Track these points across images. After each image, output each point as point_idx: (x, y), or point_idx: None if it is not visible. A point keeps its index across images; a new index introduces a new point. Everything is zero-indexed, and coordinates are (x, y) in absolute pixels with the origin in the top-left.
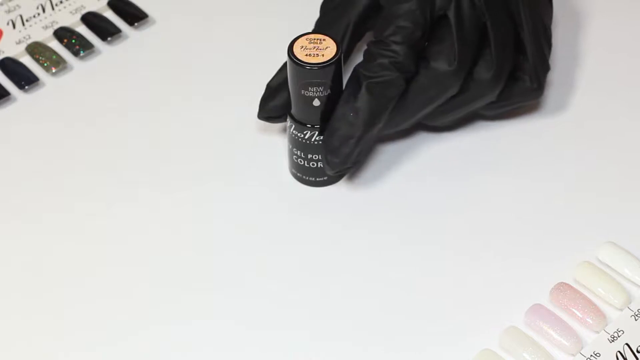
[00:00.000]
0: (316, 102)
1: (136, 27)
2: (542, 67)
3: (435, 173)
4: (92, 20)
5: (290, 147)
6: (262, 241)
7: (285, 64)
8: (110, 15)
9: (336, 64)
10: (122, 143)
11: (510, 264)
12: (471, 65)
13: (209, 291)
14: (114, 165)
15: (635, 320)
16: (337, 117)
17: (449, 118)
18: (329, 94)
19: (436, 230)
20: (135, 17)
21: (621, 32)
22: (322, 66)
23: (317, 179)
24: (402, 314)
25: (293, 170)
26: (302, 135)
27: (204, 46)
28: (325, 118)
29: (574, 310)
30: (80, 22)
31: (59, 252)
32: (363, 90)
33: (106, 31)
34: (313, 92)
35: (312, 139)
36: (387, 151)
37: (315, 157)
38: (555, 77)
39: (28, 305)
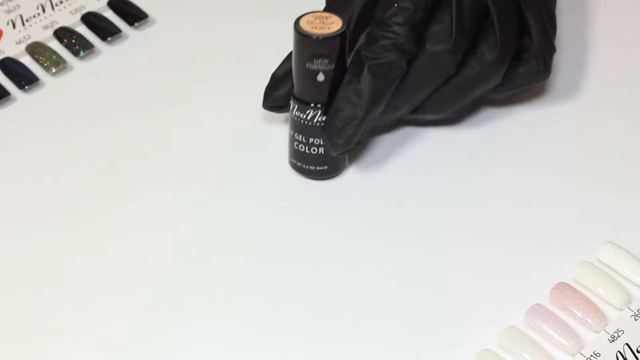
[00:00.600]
0: (320, 77)
1: (136, 27)
2: (548, 49)
3: (434, 172)
4: (92, 20)
5: (292, 132)
6: (263, 240)
7: (290, 54)
8: (110, 15)
9: (342, 37)
10: (121, 143)
11: (510, 264)
12: (473, 47)
13: (209, 291)
14: (114, 165)
15: (635, 320)
16: (340, 98)
17: (456, 105)
18: (333, 68)
19: (436, 230)
20: (135, 17)
21: (630, 18)
22: (329, 37)
23: (318, 168)
24: (401, 313)
25: (293, 160)
26: (305, 117)
27: (204, 46)
28: (329, 95)
29: (574, 310)
30: (80, 22)
31: (58, 251)
32: (365, 71)
33: (106, 31)
34: (318, 64)
35: (315, 120)
36: (387, 149)
37: (317, 141)
38: (559, 76)
39: (28, 305)
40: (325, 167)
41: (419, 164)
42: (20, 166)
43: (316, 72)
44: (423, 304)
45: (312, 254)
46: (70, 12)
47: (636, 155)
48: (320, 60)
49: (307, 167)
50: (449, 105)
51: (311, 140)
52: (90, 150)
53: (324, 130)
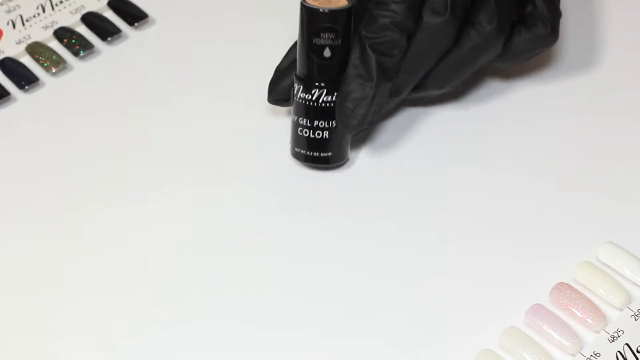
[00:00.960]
0: (327, 52)
1: (136, 27)
2: (553, 13)
3: (434, 170)
4: (92, 20)
5: (295, 118)
6: (263, 240)
7: (292, 47)
8: (110, 15)
9: (348, 12)
10: (121, 143)
11: (510, 264)
12: (471, 18)
13: (209, 291)
14: (114, 165)
15: (635, 320)
16: (347, 80)
17: (457, 79)
18: (339, 44)
19: (436, 230)
20: (135, 17)
21: None
22: (336, 10)
23: (322, 154)
24: (401, 313)
25: (296, 149)
26: (310, 97)
27: (204, 46)
28: (335, 73)
29: (574, 310)
30: (80, 22)
31: (58, 251)
32: (368, 51)
33: (106, 31)
34: (325, 39)
35: (320, 100)
36: (388, 137)
37: (322, 124)
38: (567, 48)
39: (28, 305)
40: (329, 154)
41: (419, 159)
42: (20, 166)
43: (323, 47)
44: (423, 304)
45: (312, 254)
46: (70, 12)
47: (637, 156)
48: (327, 34)
49: (310, 153)
50: (450, 79)
51: (316, 123)
52: (90, 150)
53: (335, 113)
